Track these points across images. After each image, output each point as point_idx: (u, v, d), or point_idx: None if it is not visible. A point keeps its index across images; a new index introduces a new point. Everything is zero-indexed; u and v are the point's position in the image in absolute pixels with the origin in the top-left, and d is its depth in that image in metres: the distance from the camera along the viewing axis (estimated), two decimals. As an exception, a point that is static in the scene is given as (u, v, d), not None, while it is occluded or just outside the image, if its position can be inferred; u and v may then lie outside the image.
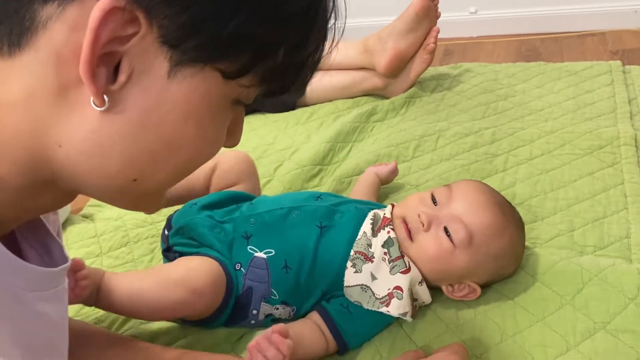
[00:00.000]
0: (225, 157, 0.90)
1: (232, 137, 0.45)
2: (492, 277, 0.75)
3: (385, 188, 1.05)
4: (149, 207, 0.46)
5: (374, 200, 0.95)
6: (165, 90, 0.37)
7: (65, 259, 0.47)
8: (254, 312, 0.71)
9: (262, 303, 0.71)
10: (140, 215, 1.07)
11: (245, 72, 0.38)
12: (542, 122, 1.23)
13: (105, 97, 0.36)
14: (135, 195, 0.42)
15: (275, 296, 0.71)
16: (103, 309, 0.68)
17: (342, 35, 0.43)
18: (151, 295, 0.66)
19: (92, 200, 1.14)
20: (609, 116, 1.22)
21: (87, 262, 0.94)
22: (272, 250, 0.71)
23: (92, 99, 0.36)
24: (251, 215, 0.76)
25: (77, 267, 0.62)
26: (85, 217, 1.09)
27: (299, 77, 0.42)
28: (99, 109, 0.36)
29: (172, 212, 0.85)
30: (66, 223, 1.05)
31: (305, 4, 0.38)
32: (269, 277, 0.71)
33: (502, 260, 0.73)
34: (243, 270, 0.71)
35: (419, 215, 0.71)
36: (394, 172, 1.02)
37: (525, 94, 1.39)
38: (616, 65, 1.47)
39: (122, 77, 0.36)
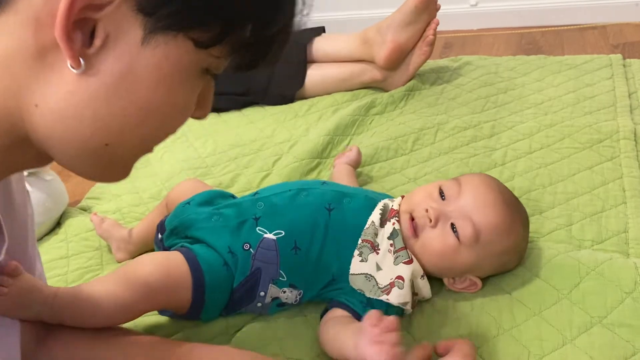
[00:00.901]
0: (172, 191, 0.89)
1: (201, 108, 0.47)
2: (495, 272, 0.75)
3: (383, 182, 1.05)
4: (118, 175, 0.47)
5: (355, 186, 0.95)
6: (139, 57, 0.38)
7: None
8: (262, 294, 0.71)
9: (270, 285, 0.71)
10: (138, 209, 1.07)
11: (215, 43, 0.40)
12: (541, 115, 1.23)
13: (81, 59, 0.38)
14: (106, 160, 0.44)
15: (284, 278, 0.71)
16: (66, 323, 0.62)
17: (308, 11, 0.44)
18: (111, 295, 0.63)
19: (90, 193, 1.14)
20: (608, 110, 1.22)
21: (87, 255, 0.94)
22: (282, 232, 0.71)
23: (68, 61, 0.37)
24: (258, 199, 0.76)
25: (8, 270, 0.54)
26: (83, 209, 1.09)
27: (268, 52, 0.44)
28: (75, 70, 0.38)
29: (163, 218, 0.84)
30: (64, 216, 1.05)
31: None
32: (278, 258, 0.70)
33: (506, 257, 0.74)
34: (252, 251, 0.71)
35: (426, 211, 0.70)
36: (358, 153, 1.03)
37: (525, 87, 1.39)
38: (616, 59, 1.46)
39: (97, 42, 0.37)
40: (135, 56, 0.38)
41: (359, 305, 0.70)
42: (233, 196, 0.86)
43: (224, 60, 0.42)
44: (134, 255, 0.90)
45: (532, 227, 0.86)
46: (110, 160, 0.44)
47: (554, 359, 0.64)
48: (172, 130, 0.45)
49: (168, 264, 0.69)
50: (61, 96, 0.39)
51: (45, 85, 0.38)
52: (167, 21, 0.38)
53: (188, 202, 0.81)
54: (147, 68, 0.39)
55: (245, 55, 0.43)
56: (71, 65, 0.38)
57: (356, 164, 1.02)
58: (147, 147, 0.45)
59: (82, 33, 0.37)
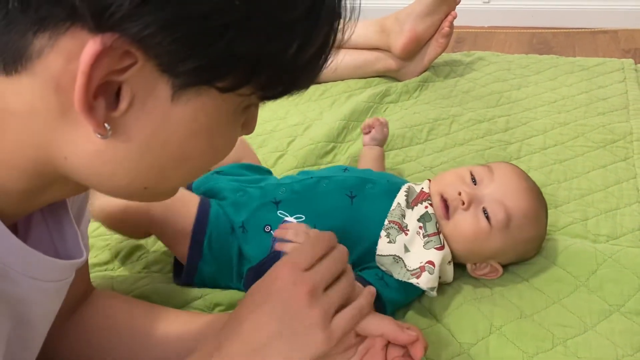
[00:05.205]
0: None
1: (247, 128, 0.44)
2: (516, 259, 0.75)
3: (399, 169, 1.05)
4: (164, 199, 0.46)
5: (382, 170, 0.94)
6: (170, 113, 0.36)
7: (79, 252, 0.47)
8: None
9: None
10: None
11: (246, 83, 0.37)
12: (555, 113, 1.24)
13: (106, 125, 0.35)
14: (147, 197, 0.43)
15: None
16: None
17: (358, 17, 0.40)
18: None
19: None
20: (621, 112, 1.23)
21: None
22: (303, 216, 0.71)
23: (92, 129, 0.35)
24: (281, 184, 0.76)
25: None
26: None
27: (308, 75, 0.40)
28: (101, 137, 0.35)
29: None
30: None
31: (306, 5, 0.35)
32: None
33: (530, 244, 0.74)
34: (272, 233, 0.71)
35: (459, 194, 0.70)
36: (382, 129, 0.98)
37: (538, 85, 1.40)
38: (628, 63, 1.47)
39: (123, 105, 0.35)
40: (166, 114, 0.36)
41: (374, 278, 0.69)
42: (269, 171, 0.86)
43: (261, 93, 0.39)
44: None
45: (549, 220, 0.87)
46: (151, 196, 0.43)
47: (577, 343, 0.65)
48: (218, 162, 0.43)
49: (182, 193, 0.72)
50: (90, 155, 0.37)
51: (71, 143, 0.36)
52: (192, 77, 0.35)
53: (217, 172, 0.81)
54: (181, 123, 0.37)
55: (280, 84, 0.39)
56: (96, 132, 0.35)
57: (382, 141, 0.99)
58: (191, 181, 0.44)
59: (106, 97, 0.34)
